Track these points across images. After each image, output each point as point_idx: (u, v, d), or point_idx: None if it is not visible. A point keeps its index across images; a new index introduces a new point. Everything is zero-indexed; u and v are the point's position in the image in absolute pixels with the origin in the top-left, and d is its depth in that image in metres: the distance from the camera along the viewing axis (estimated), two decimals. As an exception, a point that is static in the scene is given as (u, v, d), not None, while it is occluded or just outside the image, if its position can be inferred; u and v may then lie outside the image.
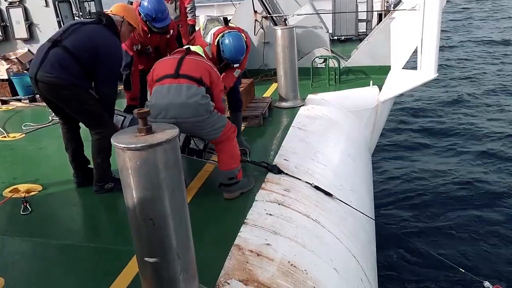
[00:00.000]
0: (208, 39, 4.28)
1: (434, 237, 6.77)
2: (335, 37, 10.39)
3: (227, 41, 4.11)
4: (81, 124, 3.87)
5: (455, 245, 6.54)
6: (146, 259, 2.05)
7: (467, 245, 6.51)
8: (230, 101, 4.88)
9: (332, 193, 3.89)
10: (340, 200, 3.91)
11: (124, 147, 1.85)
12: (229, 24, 4.43)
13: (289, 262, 2.85)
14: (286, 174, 3.94)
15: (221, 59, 4.20)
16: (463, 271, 3.60)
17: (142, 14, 4.62)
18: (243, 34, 4.26)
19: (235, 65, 4.25)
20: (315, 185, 3.87)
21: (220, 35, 4.17)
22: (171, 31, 4.98)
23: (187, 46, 3.78)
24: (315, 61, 7.25)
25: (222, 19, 4.52)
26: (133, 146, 1.85)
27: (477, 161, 9.23)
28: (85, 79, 3.47)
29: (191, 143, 3.93)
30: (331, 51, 7.60)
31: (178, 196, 2.03)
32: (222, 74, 4.24)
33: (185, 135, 3.89)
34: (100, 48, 3.45)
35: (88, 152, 3.90)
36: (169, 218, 2.00)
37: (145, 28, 4.71)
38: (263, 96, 6.53)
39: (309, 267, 2.89)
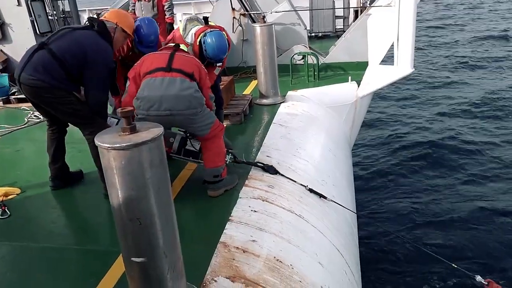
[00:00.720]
0: (189, 39, 4.24)
1: (418, 229, 6.82)
2: (313, 34, 10.48)
3: (209, 40, 4.08)
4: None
5: (441, 237, 6.57)
6: (133, 259, 2.04)
7: (453, 237, 6.54)
8: None
9: (326, 195, 3.91)
10: (335, 202, 3.95)
11: (109, 147, 1.83)
12: (209, 23, 4.41)
13: (274, 257, 2.87)
14: (282, 175, 3.94)
15: (203, 58, 4.19)
16: (454, 266, 3.61)
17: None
18: (224, 33, 4.25)
19: (217, 64, 4.24)
20: (310, 188, 3.88)
21: (201, 34, 4.14)
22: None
23: (176, 43, 3.75)
24: (294, 58, 7.29)
25: (202, 18, 4.48)
26: (117, 145, 1.83)
27: (458, 152, 9.42)
28: (68, 82, 3.40)
29: (187, 144, 3.87)
30: (310, 47, 7.66)
31: (164, 195, 2.02)
32: None
33: (180, 136, 3.85)
34: (88, 54, 3.39)
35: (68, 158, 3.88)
36: (156, 217, 1.99)
37: (130, 44, 4.54)
38: (243, 93, 6.54)
39: (294, 262, 2.92)
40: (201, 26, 4.34)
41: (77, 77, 3.43)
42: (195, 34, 4.21)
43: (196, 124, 3.49)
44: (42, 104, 3.51)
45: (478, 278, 3.30)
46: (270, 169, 3.97)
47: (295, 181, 3.92)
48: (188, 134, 3.90)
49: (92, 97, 3.48)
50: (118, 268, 2.72)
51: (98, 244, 3.16)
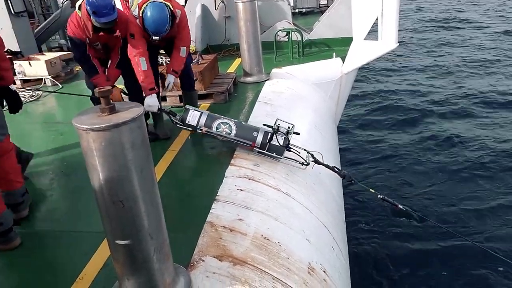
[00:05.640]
0: (136, 11, 3.97)
1: (408, 202, 6.82)
2: (297, 10, 10.35)
3: (147, 12, 3.77)
4: None
5: (437, 209, 6.60)
6: (117, 241, 2.01)
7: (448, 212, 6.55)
8: (181, 80, 4.55)
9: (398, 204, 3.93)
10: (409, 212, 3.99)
11: (87, 128, 1.77)
12: None
13: (262, 235, 2.87)
14: (357, 183, 3.89)
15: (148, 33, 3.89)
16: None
17: (86, 8, 4.12)
18: (169, 3, 3.87)
19: (154, 37, 3.88)
20: (382, 197, 3.82)
21: (144, 5, 3.81)
22: (118, 31, 4.19)
23: None
24: (277, 35, 7.19)
25: None
26: (96, 126, 1.77)
27: (444, 128, 9.48)
28: None
29: (272, 139, 3.77)
30: (294, 24, 7.56)
31: (147, 176, 1.97)
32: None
33: (264, 131, 3.78)
34: None
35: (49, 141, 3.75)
36: (139, 198, 1.95)
37: (91, 24, 4.22)
38: (227, 71, 6.44)
39: (282, 239, 2.93)
40: None
41: None
42: (138, 5, 3.87)
43: None
44: None
45: None
46: (346, 176, 3.84)
47: (371, 191, 3.94)
48: (273, 130, 3.77)
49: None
50: (104, 250, 2.69)
51: (83, 227, 3.10)
